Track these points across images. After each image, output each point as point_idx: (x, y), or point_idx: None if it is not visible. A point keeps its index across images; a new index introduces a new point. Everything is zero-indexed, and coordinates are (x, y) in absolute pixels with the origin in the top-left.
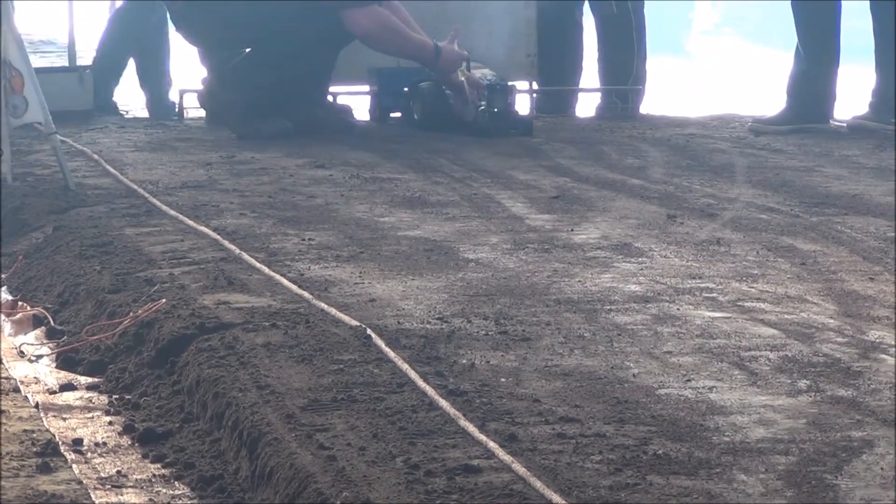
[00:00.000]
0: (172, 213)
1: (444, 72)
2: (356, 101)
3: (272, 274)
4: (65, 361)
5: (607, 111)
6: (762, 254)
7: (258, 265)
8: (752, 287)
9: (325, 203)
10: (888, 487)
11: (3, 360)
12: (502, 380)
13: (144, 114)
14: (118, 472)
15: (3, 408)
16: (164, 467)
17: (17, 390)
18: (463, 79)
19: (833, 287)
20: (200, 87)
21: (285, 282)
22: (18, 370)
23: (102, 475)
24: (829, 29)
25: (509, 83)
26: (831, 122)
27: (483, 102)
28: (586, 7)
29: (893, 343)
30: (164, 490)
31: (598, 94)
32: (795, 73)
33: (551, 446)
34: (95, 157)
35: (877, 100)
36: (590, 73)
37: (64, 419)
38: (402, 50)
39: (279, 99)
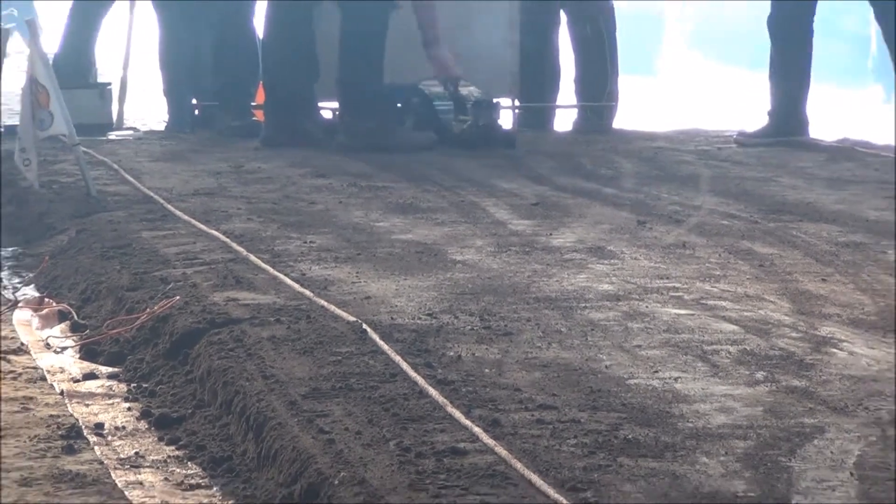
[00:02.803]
0: (185, 217)
1: (437, 59)
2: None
3: (276, 273)
4: (87, 353)
5: (583, 126)
6: (724, 256)
7: (263, 265)
8: (715, 287)
9: (325, 209)
10: (838, 469)
11: (32, 352)
12: (486, 370)
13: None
14: (136, 453)
15: (31, 395)
16: (177, 449)
17: (43, 379)
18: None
19: (788, 287)
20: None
21: (288, 281)
22: (45, 360)
23: (122, 456)
24: (803, 49)
25: (494, 100)
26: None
27: (469, 117)
28: (563, 30)
29: (843, 338)
30: (178, 470)
31: (575, 110)
32: (775, 90)
33: (531, 431)
34: (115, 166)
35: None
36: (567, 90)
37: (86, 405)
38: (431, 21)
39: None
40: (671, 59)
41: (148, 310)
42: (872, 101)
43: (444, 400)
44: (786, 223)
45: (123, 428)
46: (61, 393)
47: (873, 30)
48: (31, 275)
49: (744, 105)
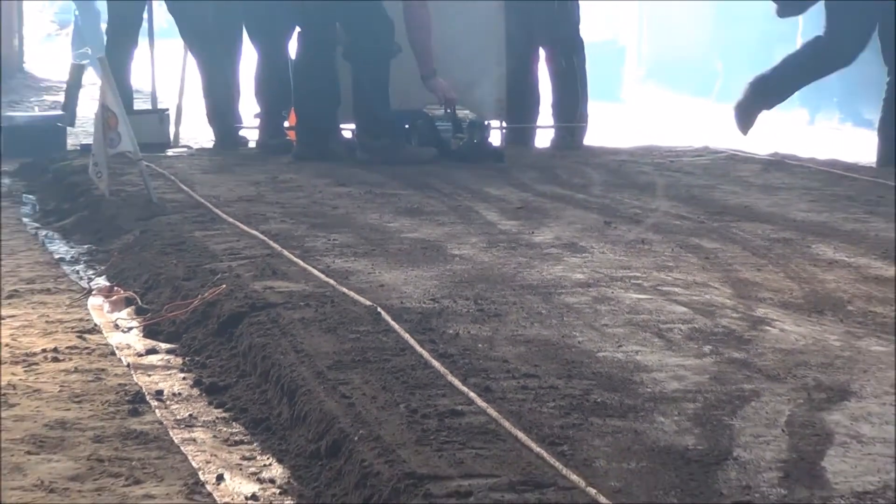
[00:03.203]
0: (230, 220)
1: (436, 88)
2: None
3: (306, 266)
4: (149, 332)
5: (559, 143)
6: (676, 250)
7: (295, 259)
8: (668, 276)
9: (345, 212)
10: (771, 427)
11: (103, 331)
12: (479, 346)
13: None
14: (189, 415)
15: (103, 367)
16: (224, 412)
17: (113, 354)
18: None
19: (729, 276)
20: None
21: (315, 272)
22: (114, 339)
23: (178, 417)
24: None
25: (485, 121)
26: None
27: (465, 135)
28: (542, 64)
29: (775, 318)
30: (225, 429)
31: (552, 130)
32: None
33: (517, 396)
34: (172, 177)
35: None
36: (545, 113)
37: (149, 375)
38: (424, 46)
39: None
40: (631, 87)
41: (200, 296)
42: (798, 123)
43: (445, 370)
44: (727, 223)
45: (179, 394)
46: (128, 365)
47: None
48: (102, 268)
49: (688, 126)
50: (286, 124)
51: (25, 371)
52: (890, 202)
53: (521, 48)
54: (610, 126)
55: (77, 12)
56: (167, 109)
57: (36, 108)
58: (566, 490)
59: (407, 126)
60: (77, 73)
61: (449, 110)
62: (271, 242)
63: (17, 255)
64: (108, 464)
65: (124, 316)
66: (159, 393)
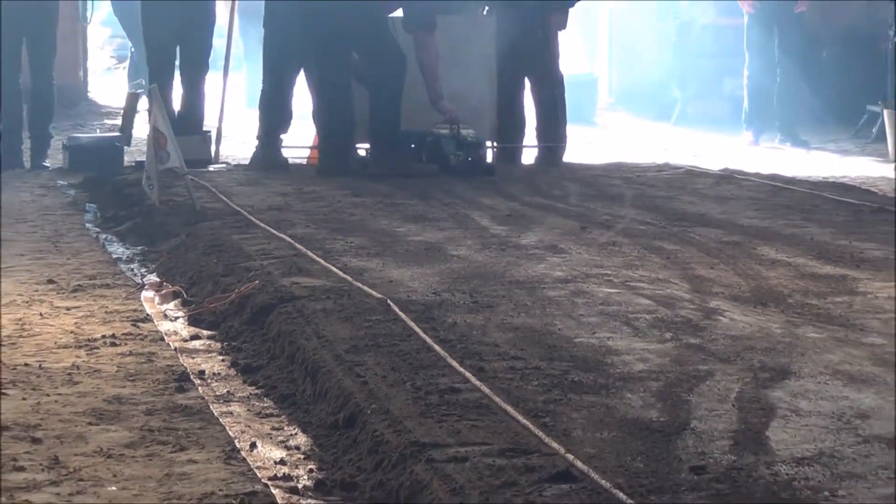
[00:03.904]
0: (262, 225)
1: (444, 110)
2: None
3: (327, 265)
4: (193, 321)
5: (542, 161)
6: (641, 252)
7: (317, 259)
8: (635, 273)
9: (360, 219)
10: (723, 402)
11: (154, 320)
12: (474, 332)
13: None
14: (227, 392)
15: (153, 350)
16: (256, 389)
17: (162, 339)
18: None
19: (687, 273)
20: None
21: (335, 269)
22: (163, 326)
23: (217, 394)
24: None
25: (480, 140)
26: None
27: (461, 153)
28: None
29: (726, 309)
30: (257, 403)
31: (536, 149)
32: None
33: (506, 375)
34: (212, 189)
35: None
36: (530, 135)
37: (192, 358)
38: (433, 73)
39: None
40: (603, 113)
41: (236, 291)
42: (744, 144)
43: (445, 353)
44: (685, 228)
45: (218, 374)
46: (175, 349)
47: (745, 92)
48: (153, 266)
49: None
50: (310, 145)
51: (87, 354)
52: (824, 210)
53: (509, 80)
54: (585, 146)
55: (133, 49)
56: (209, 131)
57: (97, 130)
58: (548, 456)
59: (413, 145)
60: (132, 100)
61: (454, 128)
62: (297, 245)
63: (81, 255)
64: (157, 433)
65: (172, 307)
66: (201, 373)
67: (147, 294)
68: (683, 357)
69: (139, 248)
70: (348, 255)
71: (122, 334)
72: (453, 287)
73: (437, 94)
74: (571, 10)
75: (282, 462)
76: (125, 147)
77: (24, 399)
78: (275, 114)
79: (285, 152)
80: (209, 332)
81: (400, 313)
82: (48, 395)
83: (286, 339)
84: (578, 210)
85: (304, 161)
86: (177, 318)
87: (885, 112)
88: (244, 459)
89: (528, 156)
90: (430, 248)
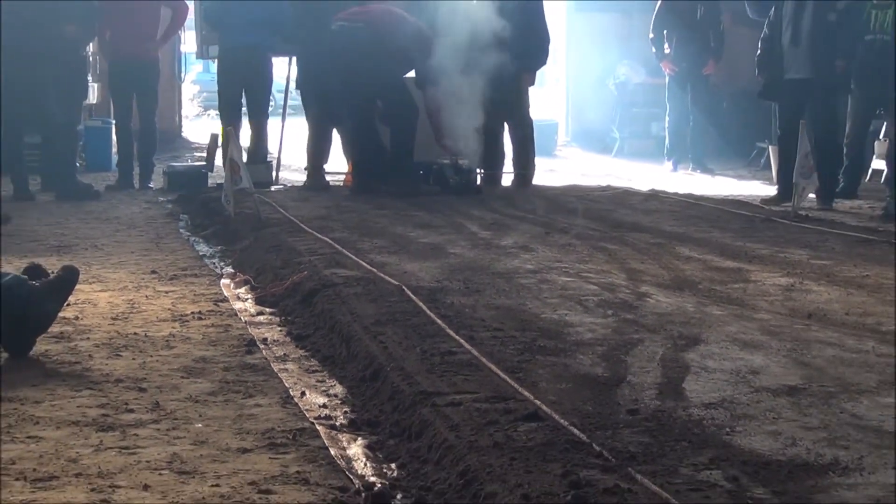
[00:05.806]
0: (310, 231)
1: (446, 147)
2: None
3: (358, 260)
4: (259, 301)
5: (516, 184)
6: (590, 251)
7: (351, 255)
8: (585, 266)
9: (382, 226)
10: (651, 362)
11: (230, 301)
12: (466, 310)
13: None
14: (284, 354)
15: (229, 323)
16: (306, 352)
17: (236, 315)
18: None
19: (624, 266)
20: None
21: (364, 263)
22: (237, 305)
23: (277, 355)
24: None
25: (475, 168)
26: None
27: (457, 177)
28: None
29: (653, 293)
30: (306, 362)
31: (512, 175)
32: None
33: (490, 342)
34: (273, 204)
35: None
36: (508, 163)
37: (258, 329)
38: (438, 119)
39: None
40: (562, 148)
41: (290, 279)
42: (665, 170)
43: (445, 325)
44: (622, 233)
45: (277, 340)
46: (245, 322)
47: (666, 132)
48: (229, 261)
49: (597, 173)
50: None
51: (180, 325)
52: (725, 220)
53: (493, 123)
54: (548, 172)
55: None
56: (272, 161)
57: (189, 160)
58: (521, 401)
59: (422, 171)
60: (214, 138)
61: (452, 159)
62: (336, 245)
63: (176, 252)
64: (232, 384)
65: (243, 291)
66: (265, 340)
67: (224, 281)
68: (621, 328)
69: (219, 247)
70: (374, 252)
71: (207, 311)
72: (451, 276)
73: (441, 134)
74: (538, 71)
75: (324, 406)
76: (209, 173)
77: (133, 359)
78: (318, 151)
79: (327, 178)
80: (271, 310)
81: (412, 296)
82: (151, 356)
83: (327, 315)
84: (544, 220)
85: (341, 183)
86: (247, 299)
87: (770, 148)
88: (296, 404)
89: (507, 180)
90: (433, 247)
